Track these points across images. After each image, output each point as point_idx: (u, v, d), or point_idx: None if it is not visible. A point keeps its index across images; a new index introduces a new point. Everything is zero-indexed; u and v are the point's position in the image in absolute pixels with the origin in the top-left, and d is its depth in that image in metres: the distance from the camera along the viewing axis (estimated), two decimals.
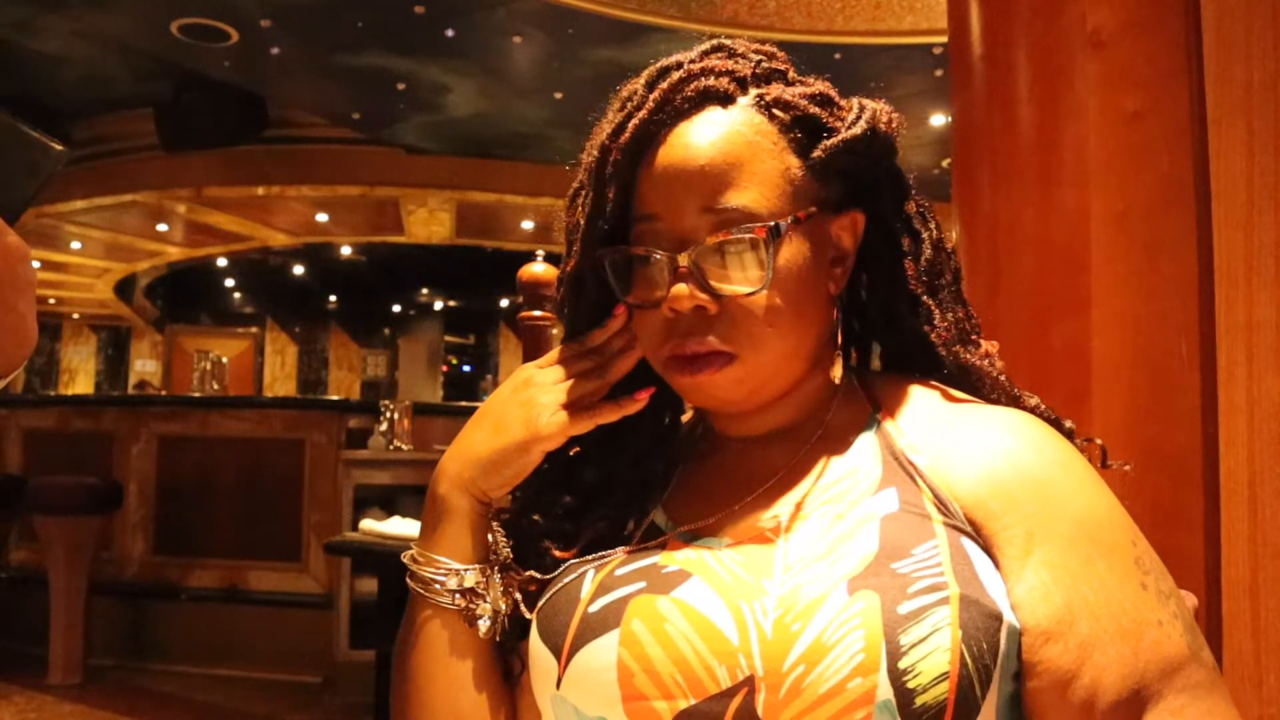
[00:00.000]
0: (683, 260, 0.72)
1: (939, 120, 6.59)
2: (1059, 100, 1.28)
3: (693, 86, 0.74)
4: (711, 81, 0.75)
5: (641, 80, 0.77)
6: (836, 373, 0.82)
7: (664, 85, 0.75)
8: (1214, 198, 1.13)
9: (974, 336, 0.80)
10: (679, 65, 0.76)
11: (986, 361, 0.78)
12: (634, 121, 0.74)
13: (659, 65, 0.78)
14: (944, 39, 1.54)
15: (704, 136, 0.73)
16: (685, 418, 0.87)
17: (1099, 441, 0.79)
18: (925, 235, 0.79)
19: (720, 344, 0.72)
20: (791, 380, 0.77)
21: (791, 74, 0.79)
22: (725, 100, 0.75)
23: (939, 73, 5.97)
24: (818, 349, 0.78)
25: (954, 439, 0.72)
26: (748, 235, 0.71)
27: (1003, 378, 0.78)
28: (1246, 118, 1.11)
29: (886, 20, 5.49)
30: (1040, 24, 1.32)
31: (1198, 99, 1.16)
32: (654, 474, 0.81)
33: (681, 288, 0.72)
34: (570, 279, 0.79)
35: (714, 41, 0.79)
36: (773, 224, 0.71)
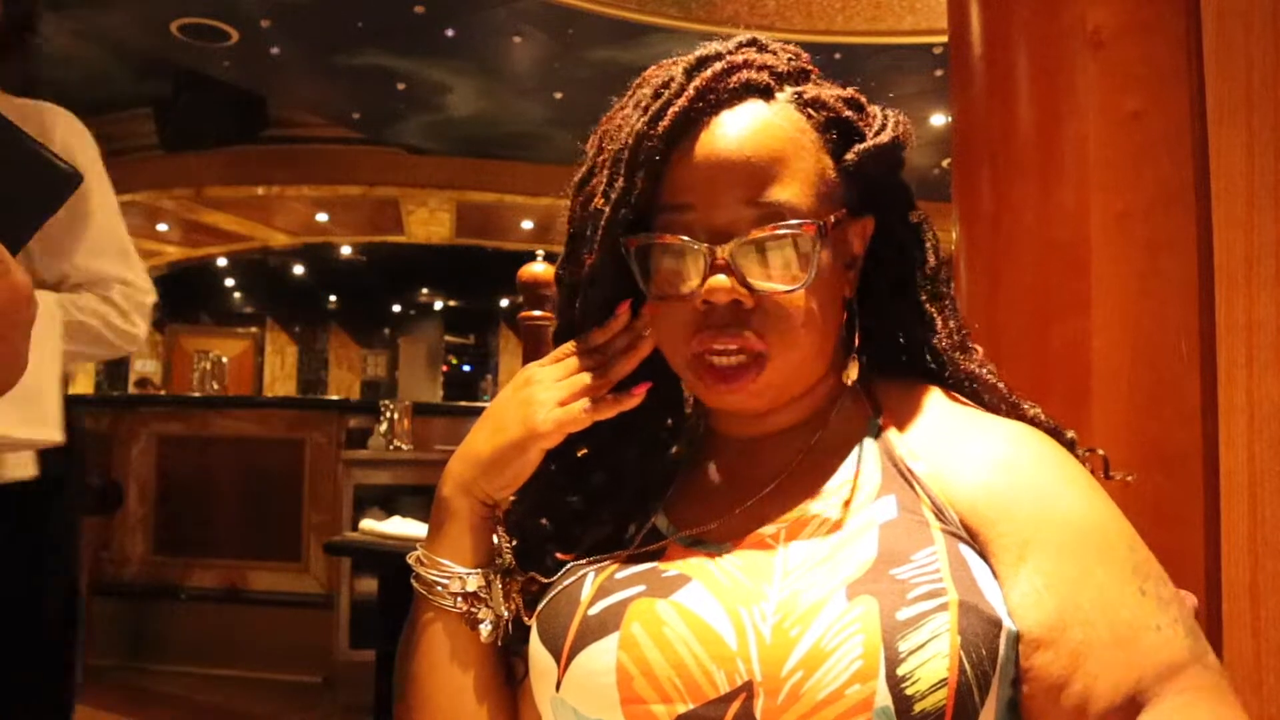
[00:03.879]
0: (722, 252, 0.70)
1: (939, 120, 6.58)
2: (1059, 100, 1.28)
3: (735, 78, 0.73)
4: (753, 74, 0.73)
5: (679, 68, 0.74)
6: (850, 375, 0.80)
7: (705, 74, 0.72)
8: (1214, 198, 1.13)
9: (969, 343, 0.80)
10: (718, 56, 0.74)
11: (985, 370, 0.78)
12: (674, 109, 0.72)
13: (697, 55, 0.75)
14: (944, 39, 1.54)
15: (747, 128, 0.72)
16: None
17: (1101, 452, 0.79)
18: (929, 244, 0.80)
19: (755, 340, 0.71)
20: (809, 383, 0.77)
21: (815, 75, 0.79)
22: (766, 94, 0.74)
23: (939, 73, 5.96)
24: (833, 352, 0.78)
25: (953, 447, 0.72)
26: (793, 232, 0.70)
27: (1001, 386, 0.78)
28: (1246, 118, 1.11)
29: (886, 20, 5.49)
30: (1040, 24, 1.32)
31: (1198, 99, 1.16)
32: (656, 476, 0.81)
33: (721, 279, 0.70)
34: (589, 270, 0.76)
35: (748, 35, 0.78)
36: (819, 223, 0.71)
